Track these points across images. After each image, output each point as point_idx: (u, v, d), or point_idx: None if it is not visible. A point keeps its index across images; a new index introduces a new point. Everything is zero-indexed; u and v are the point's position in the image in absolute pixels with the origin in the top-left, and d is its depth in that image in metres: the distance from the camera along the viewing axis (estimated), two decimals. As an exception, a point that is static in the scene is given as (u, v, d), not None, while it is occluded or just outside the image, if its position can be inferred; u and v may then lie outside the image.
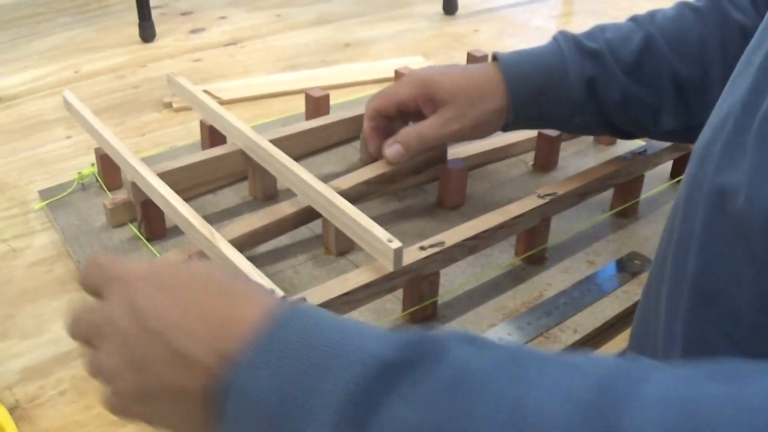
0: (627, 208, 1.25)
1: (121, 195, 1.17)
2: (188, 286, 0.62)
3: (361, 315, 1.02)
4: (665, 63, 1.07)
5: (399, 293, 1.03)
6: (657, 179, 1.32)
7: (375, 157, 1.21)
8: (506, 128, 1.15)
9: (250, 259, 0.96)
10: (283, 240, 1.16)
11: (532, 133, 1.36)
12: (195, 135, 1.44)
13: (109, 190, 1.26)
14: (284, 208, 1.12)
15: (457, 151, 1.29)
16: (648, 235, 1.21)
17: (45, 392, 0.94)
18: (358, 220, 0.99)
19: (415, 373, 0.51)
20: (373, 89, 1.65)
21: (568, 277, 1.13)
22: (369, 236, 0.97)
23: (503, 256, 1.15)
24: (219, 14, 2.12)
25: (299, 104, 1.51)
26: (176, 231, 1.13)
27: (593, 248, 1.19)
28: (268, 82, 1.71)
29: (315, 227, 1.18)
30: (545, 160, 1.36)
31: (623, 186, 1.23)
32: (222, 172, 1.22)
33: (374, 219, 0.99)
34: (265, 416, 0.55)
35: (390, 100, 1.17)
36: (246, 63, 1.84)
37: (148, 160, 1.14)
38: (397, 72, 1.51)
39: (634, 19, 1.12)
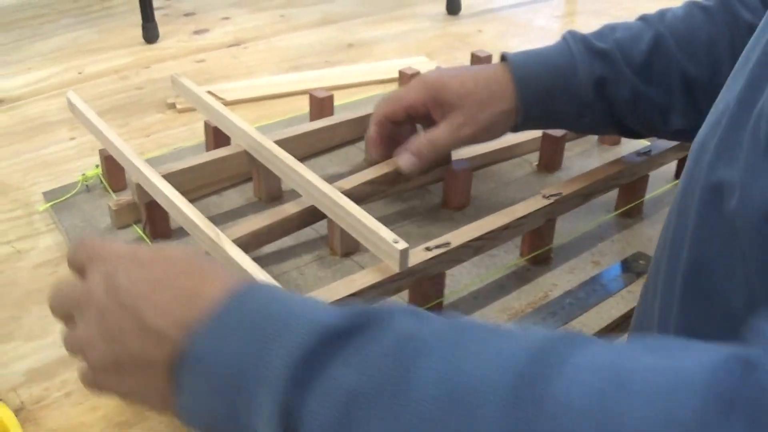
0: (632, 209, 1.25)
1: (126, 196, 1.17)
2: (162, 266, 0.66)
3: (367, 316, 1.01)
4: (675, 63, 1.07)
5: (404, 294, 1.02)
6: (661, 179, 1.32)
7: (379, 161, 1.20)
8: (515, 129, 1.15)
9: (255, 260, 0.95)
10: (287, 241, 1.15)
11: (536, 134, 1.36)
12: (199, 136, 1.44)
13: (113, 192, 1.26)
14: (288, 209, 1.11)
15: (462, 152, 1.29)
16: (653, 236, 1.21)
17: (50, 394, 0.94)
18: (363, 221, 0.98)
19: (359, 340, 0.55)
20: (377, 90, 1.65)
21: (574, 278, 1.12)
22: (375, 237, 0.96)
23: (508, 257, 1.15)
24: (222, 15, 2.12)
25: (303, 105, 1.51)
26: (181, 232, 1.13)
27: (598, 248, 1.19)
28: (272, 83, 1.71)
29: (320, 228, 1.18)
30: (550, 160, 1.36)
31: (628, 186, 1.23)
32: (226, 173, 1.22)
33: (379, 220, 0.99)
34: (220, 383, 0.59)
35: (399, 106, 1.15)
36: (249, 64, 1.84)
37: (152, 162, 1.14)
38: (401, 72, 1.51)
39: (643, 19, 1.12)
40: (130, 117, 1.57)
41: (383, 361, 0.53)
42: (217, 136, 1.29)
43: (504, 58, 1.13)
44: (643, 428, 0.44)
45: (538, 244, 1.14)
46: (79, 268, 0.71)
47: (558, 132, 1.32)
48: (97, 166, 1.28)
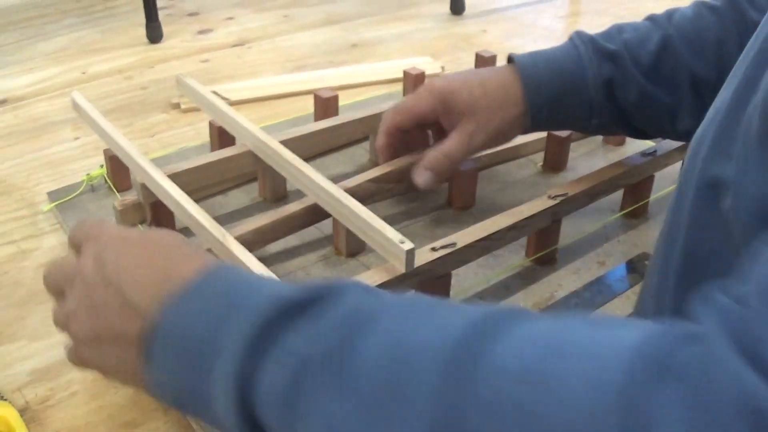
0: (637, 209, 1.25)
1: (131, 196, 1.16)
2: (147, 247, 0.71)
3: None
4: (683, 63, 1.06)
5: (410, 295, 1.02)
6: (667, 180, 1.31)
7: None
8: (524, 132, 1.15)
9: (261, 260, 0.95)
10: (293, 241, 1.16)
11: (541, 134, 1.35)
12: (203, 136, 1.44)
13: (118, 192, 1.26)
14: (292, 207, 1.11)
15: (467, 152, 1.29)
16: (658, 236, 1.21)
17: (56, 394, 0.93)
18: (369, 221, 0.98)
19: (313, 312, 0.59)
20: (382, 90, 1.65)
21: (579, 278, 1.12)
22: (381, 237, 0.96)
23: (514, 257, 1.15)
24: (226, 15, 2.12)
25: (306, 105, 1.51)
26: (186, 232, 1.13)
27: (604, 249, 1.18)
28: (276, 83, 1.71)
29: (325, 228, 1.18)
30: (555, 160, 1.35)
31: (633, 186, 1.23)
32: (232, 173, 1.21)
33: (384, 220, 0.99)
34: (185, 354, 0.63)
35: (409, 116, 1.16)
36: (254, 64, 1.83)
37: (156, 162, 1.13)
38: (405, 72, 1.51)
39: (651, 19, 1.12)
40: (134, 117, 1.57)
41: (333, 330, 0.57)
42: (222, 136, 1.29)
43: (511, 60, 1.12)
44: (574, 390, 0.46)
45: (544, 244, 1.13)
46: (76, 246, 0.76)
47: (563, 132, 1.32)
48: (101, 166, 1.28)
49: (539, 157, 1.38)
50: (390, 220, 0.99)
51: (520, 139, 1.34)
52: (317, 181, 1.06)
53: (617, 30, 1.11)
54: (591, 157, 1.40)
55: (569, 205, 1.13)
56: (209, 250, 1.01)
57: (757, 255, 0.46)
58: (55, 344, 0.99)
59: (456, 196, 1.24)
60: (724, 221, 0.61)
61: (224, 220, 1.19)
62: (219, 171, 1.19)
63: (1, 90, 1.68)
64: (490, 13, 2.18)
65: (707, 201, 0.65)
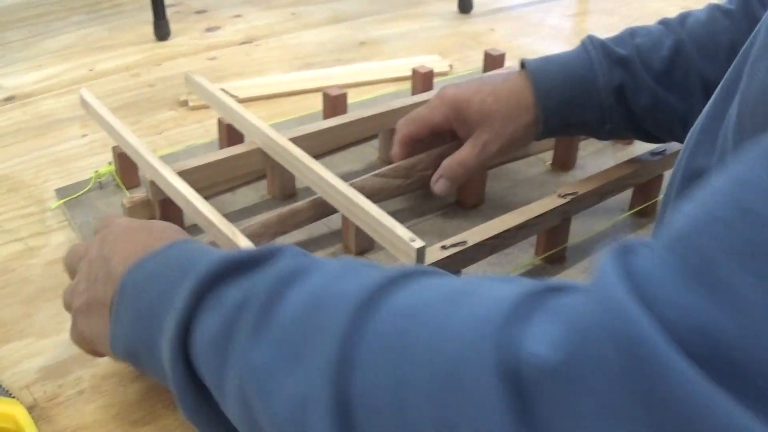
0: (646, 208, 1.25)
1: (139, 193, 1.16)
2: (140, 231, 0.82)
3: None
4: (695, 68, 1.06)
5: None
6: (676, 179, 1.31)
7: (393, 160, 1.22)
8: (537, 138, 1.15)
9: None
10: (302, 239, 1.15)
11: (551, 132, 1.35)
12: (212, 134, 1.43)
13: (126, 189, 1.26)
14: (300, 202, 1.12)
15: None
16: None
17: (64, 391, 0.93)
18: (379, 218, 0.98)
19: (251, 269, 0.66)
20: (390, 88, 1.65)
21: (588, 277, 1.12)
22: (391, 235, 0.96)
23: (523, 256, 1.15)
24: (234, 12, 2.12)
25: (314, 103, 1.51)
26: (194, 230, 1.13)
27: (613, 248, 1.18)
28: (284, 81, 1.70)
29: (333, 225, 1.18)
30: (564, 159, 1.35)
31: (643, 186, 1.23)
32: (241, 170, 1.21)
33: (393, 217, 0.98)
34: (141, 309, 0.72)
35: (423, 125, 1.18)
36: (261, 61, 1.83)
37: (165, 159, 1.13)
38: (414, 71, 1.50)
39: (664, 23, 1.12)
40: (141, 114, 1.56)
41: (265, 283, 0.63)
42: (230, 134, 1.29)
43: (523, 65, 1.13)
44: (456, 324, 0.51)
45: (553, 243, 1.13)
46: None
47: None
48: (109, 163, 1.28)
49: (548, 156, 1.37)
50: (399, 218, 0.99)
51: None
52: (327, 179, 1.06)
53: (629, 34, 1.11)
54: (600, 156, 1.39)
55: (579, 203, 1.13)
56: (213, 243, 1.01)
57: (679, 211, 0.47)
58: (63, 341, 0.99)
59: (465, 195, 1.24)
60: None
61: (233, 217, 1.19)
62: (228, 168, 1.19)
63: (9, 87, 1.67)
64: (497, 12, 2.18)
65: (690, 191, 0.65)
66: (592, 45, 1.10)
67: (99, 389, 0.93)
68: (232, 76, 1.75)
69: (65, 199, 1.24)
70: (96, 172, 1.27)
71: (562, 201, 1.10)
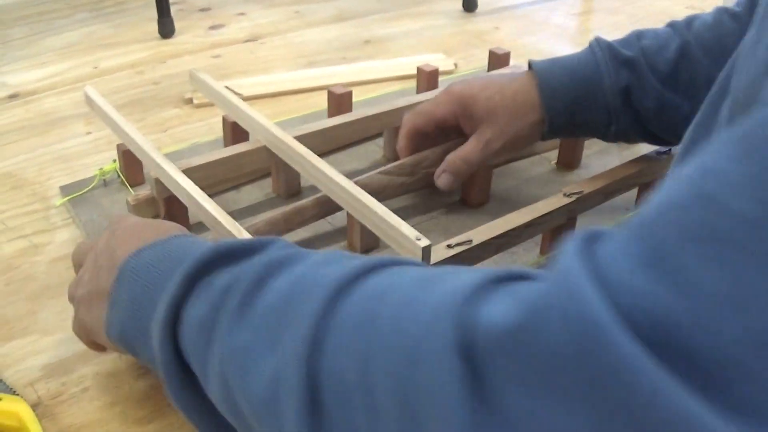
0: (651, 207, 1.24)
1: (144, 191, 1.16)
2: (150, 228, 0.83)
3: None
4: (701, 71, 1.06)
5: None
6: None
7: (398, 157, 1.22)
8: (543, 138, 1.15)
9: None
10: (306, 237, 1.15)
11: (556, 131, 1.35)
12: (216, 131, 1.43)
13: (130, 186, 1.25)
14: (305, 201, 1.12)
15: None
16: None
17: (68, 389, 0.93)
18: (385, 217, 0.98)
19: (241, 258, 0.69)
20: (395, 86, 1.65)
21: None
22: (396, 233, 0.96)
23: (528, 255, 1.14)
24: (238, 10, 2.12)
25: (318, 101, 1.51)
26: (199, 228, 1.13)
27: (618, 247, 1.17)
28: (288, 79, 1.70)
29: (338, 223, 1.18)
30: (569, 158, 1.35)
31: (648, 185, 1.22)
32: (246, 168, 1.21)
33: (398, 216, 0.98)
34: (136, 292, 0.75)
35: (429, 119, 1.18)
36: (265, 59, 1.83)
37: (169, 157, 1.13)
38: (419, 69, 1.50)
39: (671, 26, 1.12)
40: (146, 112, 1.56)
41: (253, 271, 0.65)
42: (235, 132, 1.29)
43: (531, 66, 1.13)
44: (420, 306, 0.52)
45: (559, 242, 1.12)
46: None
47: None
48: (114, 160, 1.28)
49: (553, 155, 1.37)
50: (404, 217, 0.99)
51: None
52: (332, 177, 1.06)
53: (636, 36, 1.11)
54: (605, 155, 1.39)
55: (584, 202, 1.12)
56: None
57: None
58: (67, 339, 0.99)
59: (470, 193, 1.24)
60: None
61: (238, 215, 1.18)
62: (233, 166, 1.19)
63: (13, 84, 1.67)
64: (502, 11, 2.18)
65: None
66: (598, 47, 1.10)
67: (103, 387, 0.93)
68: (236, 74, 1.74)
69: (70, 197, 1.24)
70: (100, 169, 1.27)
71: (568, 200, 1.10)
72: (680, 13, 1.12)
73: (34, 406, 0.90)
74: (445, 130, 1.20)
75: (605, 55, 1.09)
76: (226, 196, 1.25)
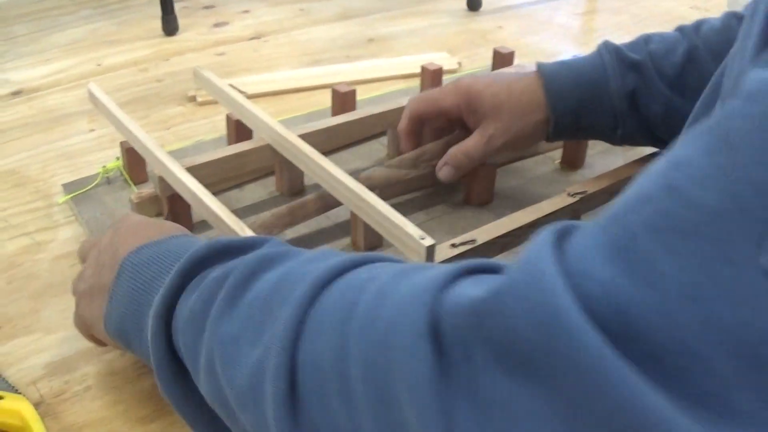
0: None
1: (147, 189, 1.16)
2: (154, 227, 0.85)
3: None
4: (709, 75, 1.06)
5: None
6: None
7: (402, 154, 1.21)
8: (549, 139, 1.15)
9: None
10: (310, 235, 1.15)
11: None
12: (220, 129, 1.43)
13: (134, 184, 1.25)
14: (309, 196, 1.12)
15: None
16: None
17: (70, 387, 0.93)
18: (389, 216, 0.97)
19: (235, 254, 0.72)
20: (399, 85, 1.65)
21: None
22: (400, 232, 0.95)
23: (532, 255, 1.14)
24: (242, 8, 2.11)
25: (322, 99, 1.50)
26: (203, 226, 1.13)
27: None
28: (293, 77, 1.70)
29: (340, 220, 1.18)
30: (572, 157, 1.35)
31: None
32: (249, 166, 1.21)
33: (402, 214, 0.98)
34: (135, 286, 0.77)
35: (433, 107, 1.18)
36: (270, 57, 1.83)
37: (173, 155, 1.12)
38: (423, 68, 1.50)
39: (679, 30, 1.12)
40: (149, 109, 1.56)
41: (245, 265, 0.67)
42: (239, 130, 1.28)
43: (539, 67, 1.13)
44: (396, 295, 0.54)
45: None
46: None
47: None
48: (117, 158, 1.28)
49: (557, 154, 1.37)
50: (408, 216, 0.98)
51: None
52: (336, 175, 1.06)
53: (644, 40, 1.11)
54: (608, 154, 1.39)
55: (588, 202, 1.12)
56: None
57: None
58: (70, 337, 0.99)
59: (474, 193, 1.23)
60: None
61: (241, 213, 1.17)
62: (237, 164, 1.19)
63: (16, 81, 1.67)
64: (506, 10, 2.17)
65: None
66: (606, 50, 1.11)
67: (106, 385, 0.93)
68: (240, 71, 1.74)
69: (72, 194, 1.24)
70: (104, 167, 1.27)
71: (572, 200, 1.10)
72: (684, 13, 1.12)
73: (37, 405, 0.89)
74: (448, 122, 1.20)
75: (612, 58, 1.09)
76: (230, 195, 1.25)
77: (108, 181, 1.27)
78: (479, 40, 1.95)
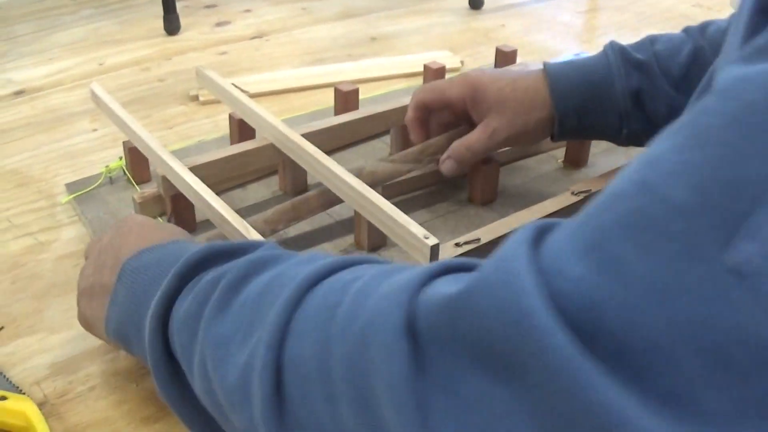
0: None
1: (151, 189, 1.16)
2: (156, 230, 0.87)
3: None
4: None
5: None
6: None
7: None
8: (554, 138, 1.15)
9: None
10: (313, 233, 1.15)
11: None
12: (222, 128, 1.43)
13: (137, 184, 1.25)
14: (312, 192, 1.12)
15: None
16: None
17: (74, 387, 0.93)
18: (392, 215, 0.97)
19: (231, 258, 0.73)
20: (402, 84, 1.65)
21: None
22: (404, 232, 0.95)
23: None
24: (244, 7, 2.11)
25: (325, 98, 1.50)
26: (206, 225, 1.13)
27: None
28: (295, 76, 1.70)
29: (344, 219, 1.18)
30: (576, 156, 1.34)
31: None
32: (253, 166, 1.21)
33: (405, 214, 0.98)
34: (135, 289, 0.78)
35: (439, 97, 1.18)
36: (272, 56, 1.83)
37: (175, 154, 1.12)
38: (426, 66, 1.50)
39: (685, 31, 1.13)
40: (151, 109, 1.56)
41: (238, 268, 0.68)
42: (242, 129, 1.28)
43: (545, 66, 1.14)
44: (377, 296, 0.54)
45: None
46: None
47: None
48: (120, 158, 1.28)
49: (560, 153, 1.37)
50: (411, 215, 0.98)
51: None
52: (339, 174, 1.05)
53: (650, 41, 1.12)
54: (611, 153, 1.38)
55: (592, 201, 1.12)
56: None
57: None
58: (73, 337, 0.99)
59: (477, 192, 1.23)
60: None
61: (244, 213, 1.18)
62: (241, 164, 1.19)
63: (18, 81, 1.67)
64: (508, 8, 2.17)
65: None
66: (612, 50, 1.11)
67: (109, 385, 0.93)
68: (242, 70, 1.74)
69: (76, 194, 1.24)
70: (107, 166, 1.27)
71: (576, 198, 1.10)
72: (687, 11, 1.12)
73: (41, 405, 0.89)
74: (454, 115, 1.20)
75: (618, 58, 1.09)
76: (233, 194, 1.25)
77: (111, 181, 1.27)
78: (482, 38, 1.95)
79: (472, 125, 1.17)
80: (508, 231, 1.02)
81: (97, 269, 0.85)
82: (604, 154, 1.38)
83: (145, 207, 1.14)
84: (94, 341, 0.97)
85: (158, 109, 1.56)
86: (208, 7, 2.11)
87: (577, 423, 0.40)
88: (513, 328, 0.42)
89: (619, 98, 1.09)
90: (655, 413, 0.38)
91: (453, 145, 1.16)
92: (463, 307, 0.45)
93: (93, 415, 0.89)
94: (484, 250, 1.00)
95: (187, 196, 1.09)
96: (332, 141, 1.29)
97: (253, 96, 1.58)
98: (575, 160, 1.34)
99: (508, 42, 1.75)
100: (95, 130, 1.47)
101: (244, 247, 0.75)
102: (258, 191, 1.26)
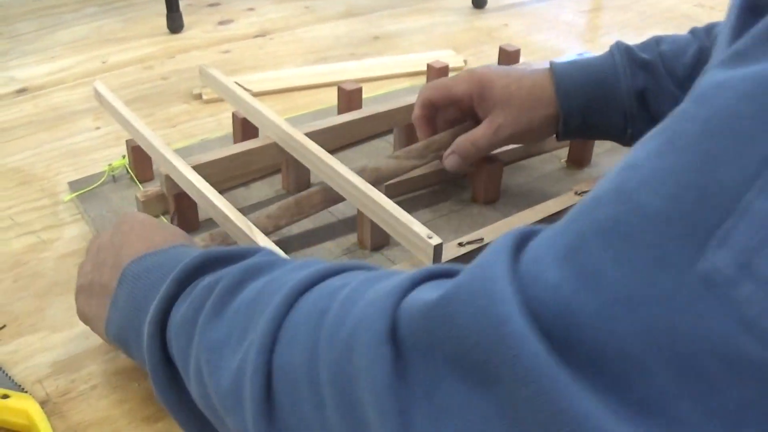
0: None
1: (154, 187, 1.16)
2: (157, 231, 0.86)
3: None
4: None
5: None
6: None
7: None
8: (559, 137, 1.15)
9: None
10: (316, 233, 1.15)
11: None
12: (225, 127, 1.43)
13: (140, 182, 1.25)
14: (315, 188, 1.12)
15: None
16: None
17: (76, 386, 0.93)
18: (396, 214, 0.97)
19: (227, 263, 0.74)
20: (405, 83, 1.65)
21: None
22: (407, 231, 0.95)
23: (539, 254, 1.14)
24: (247, 6, 2.11)
25: (328, 97, 1.50)
26: (209, 224, 1.12)
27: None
28: (298, 75, 1.70)
29: (347, 219, 1.18)
30: (579, 156, 1.34)
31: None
32: (256, 165, 1.21)
33: (408, 213, 0.98)
34: (135, 293, 0.78)
35: (445, 94, 1.18)
36: (275, 55, 1.82)
37: (179, 153, 1.12)
38: (429, 66, 1.50)
39: (692, 32, 1.13)
40: (154, 107, 1.56)
41: (234, 274, 0.69)
42: (245, 128, 1.28)
43: (551, 64, 1.14)
44: (364, 301, 0.54)
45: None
46: None
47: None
48: (123, 156, 1.28)
49: (564, 153, 1.37)
50: (415, 214, 0.98)
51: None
52: (342, 173, 1.05)
53: (655, 41, 1.12)
54: (615, 153, 1.38)
55: (595, 201, 1.12)
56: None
57: None
58: (75, 336, 0.98)
59: (481, 191, 1.23)
60: None
61: (247, 212, 1.17)
62: (244, 162, 1.19)
63: (21, 79, 1.67)
64: (511, 7, 2.17)
65: None
66: (617, 49, 1.11)
67: (112, 384, 0.93)
68: (245, 69, 1.74)
69: (78, 192, 1.24)
70: (110, 165, 1.27)
71: (579, 198, 1.10)
72: (689, 11, 1.12)
73: (43, 404, 0.89)
74: (460, 111, 1.20)
75: (624, 57, 1.09)
76: (236, 193, 1.25)
77: (114, 179, 1.27)
78: (485, 37, 1.95)
79: (477, 122, 1.17)
80: (512, 230, 1.02)
81: (96, 267, 0.86)
82: (607, 154, 1.38)
83: (148, 205, 1.14)
84: (95, 340, 0.97)
85: (161, 108, 1.56)
86: (211, 5, 2.11)
87: (550, 430, 0.40)
88: (488, 335, 0.42)
89: (624, 98, 1.08)
90: (627, 421, 0.39)
91: (457, 140, 1.16)
92: (442, 314, 0.46)
93: (95, 414, 0.89)
94: (487, 249, 1.00)
95: (190, 194, 1.09)
96: (335, 140, 1.29)
97: (256, 95, 1.58)
98: (578, 160, 1.34)
99: (511, 41, 1.75)
100: (98, 128, 1.47)
101: (242, 253, 0.75)
102: (261, 190, 1.26)
